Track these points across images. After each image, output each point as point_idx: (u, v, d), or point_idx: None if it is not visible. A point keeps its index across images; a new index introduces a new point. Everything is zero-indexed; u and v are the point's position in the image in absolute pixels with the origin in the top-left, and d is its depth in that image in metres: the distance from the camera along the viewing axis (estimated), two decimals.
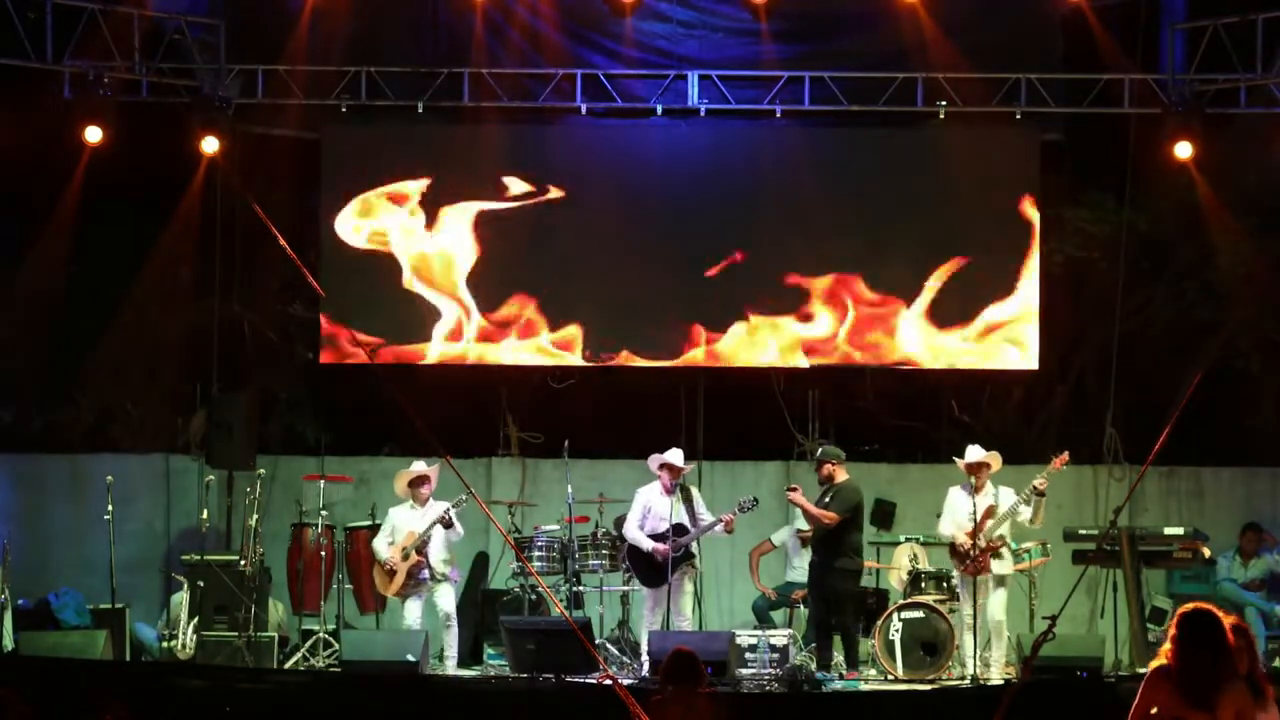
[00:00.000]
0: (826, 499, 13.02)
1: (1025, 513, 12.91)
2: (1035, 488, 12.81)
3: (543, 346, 15.58)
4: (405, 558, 13.25)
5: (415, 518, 13.38)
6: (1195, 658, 6.65)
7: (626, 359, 15.57)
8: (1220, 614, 6.75)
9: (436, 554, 13.36)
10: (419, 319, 15.63)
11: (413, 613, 13.32)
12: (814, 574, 13.19)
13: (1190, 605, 6.81)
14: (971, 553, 12.74)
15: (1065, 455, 13.05)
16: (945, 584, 13.36)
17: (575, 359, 15.62)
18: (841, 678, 12.78)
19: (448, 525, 13.28)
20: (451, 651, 13.32)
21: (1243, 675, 6.80)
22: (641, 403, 16.08)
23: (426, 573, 13.32)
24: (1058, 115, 15.37)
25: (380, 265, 15.65)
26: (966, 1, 15.15)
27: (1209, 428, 15.39)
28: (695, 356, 15.57)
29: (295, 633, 14.41)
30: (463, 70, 15.19)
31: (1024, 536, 13.30)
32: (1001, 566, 12.95)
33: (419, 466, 13.53)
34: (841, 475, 13.12)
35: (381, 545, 13.42)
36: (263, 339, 16.72)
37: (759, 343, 15.59)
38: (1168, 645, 6.74)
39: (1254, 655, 7.06)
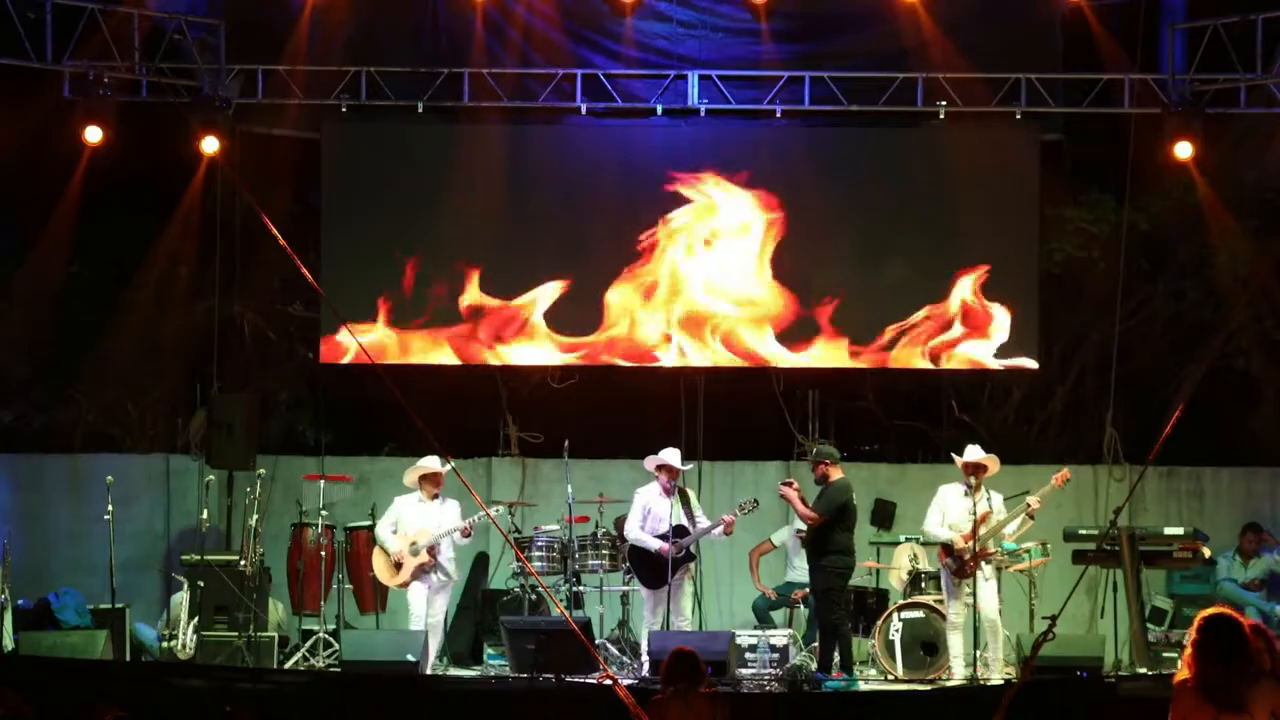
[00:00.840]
0: (816, 498, 12.99)
1: (1011, 527, 12.88)
2: (1029, 508, 12.70)
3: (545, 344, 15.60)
4: (414, 554, 13.25)
5: (423, 512, 13.36)
6: (1218, 663, 6.56)
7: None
8: (1238, 616, 6.70)
9: (445, 553, 13.36)
10: None
11: (418, 597, 13.27)
12: (808, 573, 13.18)
13: (1210, 610, 6.71)
14: (965, 556, 12.70)
15: (1066, 473, 12.97)
16: None
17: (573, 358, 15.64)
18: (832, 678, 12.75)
19: (466, 536, 13.33)
20: (431, 652, 13.24)
21: (1267, 672, 6.75)
22: (641, 403, 16.05)
23: (434, 570, 13.31)
24: (1058, 115, 15.37)
25: None
26: (966, 1, 15.15)
27: (1209, 428, 15.39)
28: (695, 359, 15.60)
29: (295, 633, 14.41)
30: (463, 70, 15.17)
31: (1023, 537, 13.27)
32: (988, 569, 12.90)
33: (433, 463, 13.42)
34: (835, 475, 13.03)
35: (386, 534, 13.38)
36: (263, 339, 16.72)
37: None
38: (1189, 652, 6.64)
39: (1275, 654, 7.01)
